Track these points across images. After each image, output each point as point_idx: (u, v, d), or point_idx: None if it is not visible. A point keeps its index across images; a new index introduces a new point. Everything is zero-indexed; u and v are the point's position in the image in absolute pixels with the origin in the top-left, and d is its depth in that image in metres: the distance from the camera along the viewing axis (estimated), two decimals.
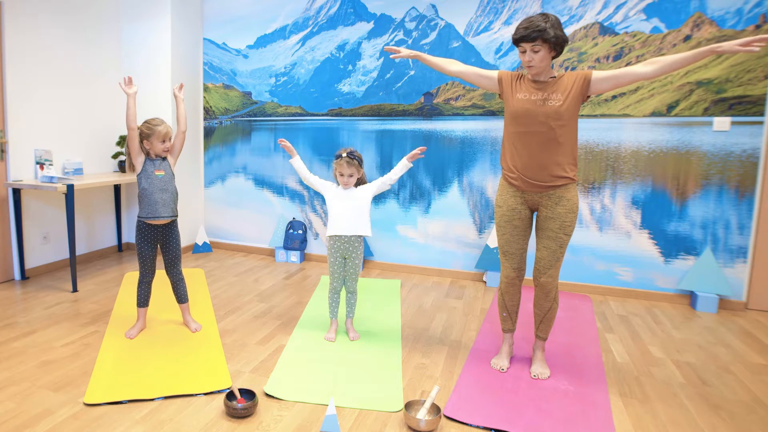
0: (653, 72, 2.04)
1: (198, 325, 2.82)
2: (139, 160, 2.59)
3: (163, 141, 2.59)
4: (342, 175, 2.66)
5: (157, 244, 2.69)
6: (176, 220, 2.73)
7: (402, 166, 2.69)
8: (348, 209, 2.66)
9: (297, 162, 2.79)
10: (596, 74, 2.14)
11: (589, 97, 2.20)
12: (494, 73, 2.32)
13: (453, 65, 2.39)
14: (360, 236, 2.69)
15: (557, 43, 2.11)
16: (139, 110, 4.45)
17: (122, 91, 2.65)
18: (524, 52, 2.14)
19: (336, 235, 2.67)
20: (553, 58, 2.17)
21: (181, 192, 4.24)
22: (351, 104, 4.30)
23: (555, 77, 2.19)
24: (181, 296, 2.81)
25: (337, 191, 2.71)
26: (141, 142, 2.60)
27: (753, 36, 1.99)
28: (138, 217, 2.64)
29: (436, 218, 4.10)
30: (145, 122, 2.60)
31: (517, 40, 2.14)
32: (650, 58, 2.15)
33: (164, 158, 2.67)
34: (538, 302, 2.38)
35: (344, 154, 2.62)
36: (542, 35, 2.06)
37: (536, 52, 2.10)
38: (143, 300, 2.75)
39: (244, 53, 4.63)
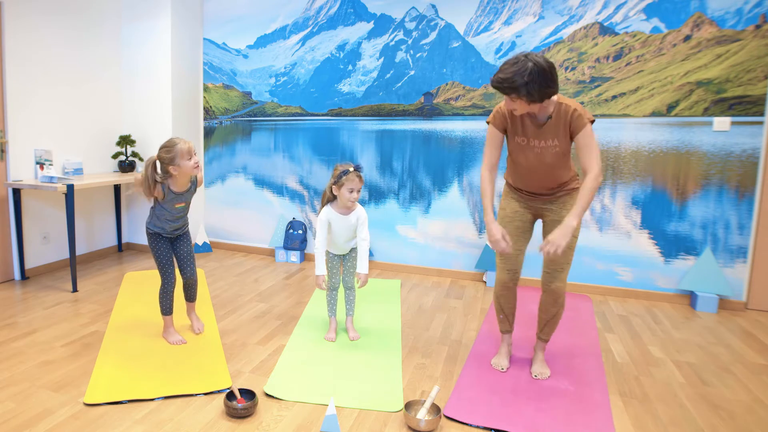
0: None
1: (201, 325, 2.80)
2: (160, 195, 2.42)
3: (190, 157, 2.35)
4: (352, 191, 2.48)
5: (169, 243, 2.61)
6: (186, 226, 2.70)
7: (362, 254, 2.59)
8: (345, 235, 2.63)
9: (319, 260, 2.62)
10: (579, 139, 2.03)
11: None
12: (493, 133, 2.19)
13: (489, 185, 2.26)
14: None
15: (538, 97, 1.93)
16: (138, 110, 4.53)
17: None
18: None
19: (334, 254, 2.76)
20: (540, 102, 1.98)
21: None
22: (351, 104, 4.30)
23: (551, 117, 2.06)
24: (190, 295, 2.76)
25: (333, 218, 2.58)
26: (165, 172, 2.37)
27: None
28: (147, 224, 2.56)
29: (436, 218, 4.10)
30: (162, 148, 2.35)
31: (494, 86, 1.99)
32: (596, 173, 2.01)
33: (189, 189, 2.50)
34: (545, 307, 2.34)
35: (352, 169, 2.46)
36: (516, 92, 1.92)
37: (513, 101, 1.98)
38: (167, 308, 2.63)
39: (244, 53, 4.63)
